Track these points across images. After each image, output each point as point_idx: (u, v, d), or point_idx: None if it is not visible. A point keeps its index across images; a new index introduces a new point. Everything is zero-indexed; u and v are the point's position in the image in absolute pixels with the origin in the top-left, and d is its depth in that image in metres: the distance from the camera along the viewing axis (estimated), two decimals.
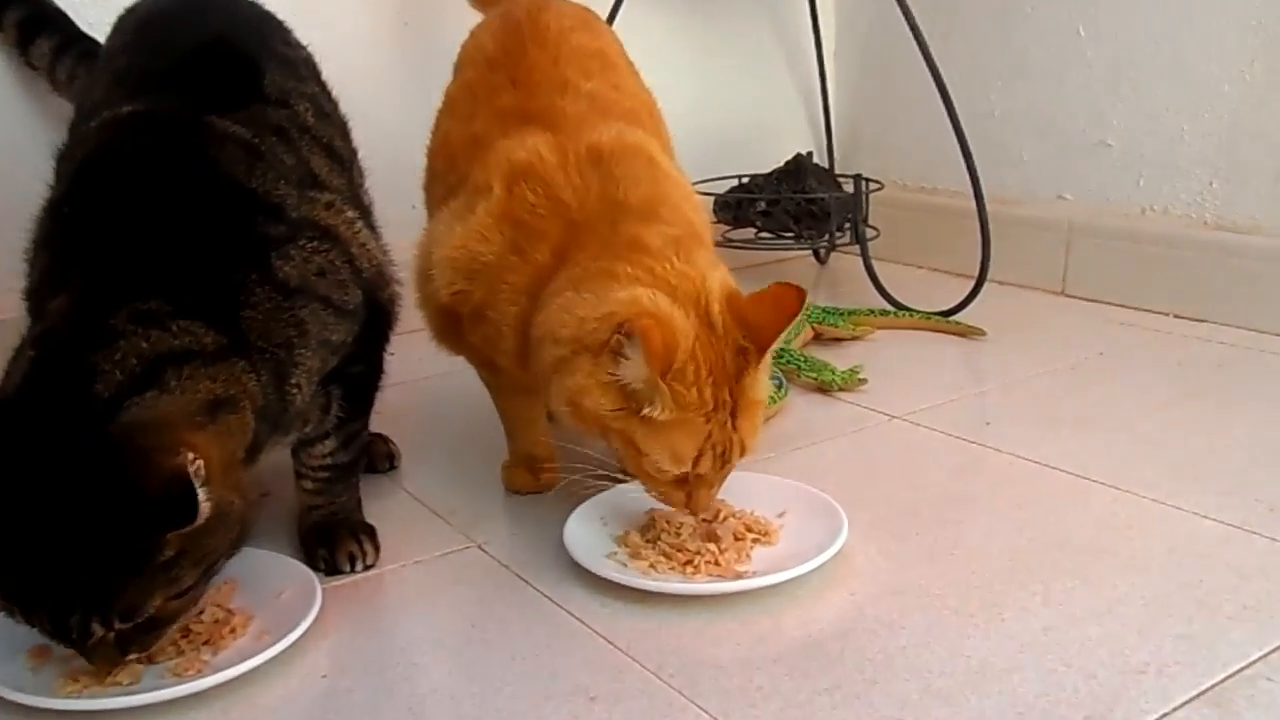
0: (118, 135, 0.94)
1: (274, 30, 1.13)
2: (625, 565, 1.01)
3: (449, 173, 1.13)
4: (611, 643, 0.93)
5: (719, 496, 1.08)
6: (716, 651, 0.91)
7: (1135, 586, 0.98)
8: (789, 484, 1.14)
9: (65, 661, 0.86)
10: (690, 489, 0.97)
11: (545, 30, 1.17)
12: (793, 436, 1.35)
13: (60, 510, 0.74)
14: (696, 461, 0.94)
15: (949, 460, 1.29)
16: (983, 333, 1.71)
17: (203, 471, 0.74)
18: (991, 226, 1.75)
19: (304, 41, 1.16)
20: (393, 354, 1.09)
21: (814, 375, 1.51)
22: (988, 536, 1.08)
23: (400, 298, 1.07)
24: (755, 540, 1.05)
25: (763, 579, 0.97)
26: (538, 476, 1.20)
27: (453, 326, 1.10)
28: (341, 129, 1.13)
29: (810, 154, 2.08)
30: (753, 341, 0.94)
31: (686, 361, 0.91)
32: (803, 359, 1.53)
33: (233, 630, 0.92)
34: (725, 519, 1.06)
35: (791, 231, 1.97)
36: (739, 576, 0.99)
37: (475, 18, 1.33)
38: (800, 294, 0.95)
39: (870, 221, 1.95)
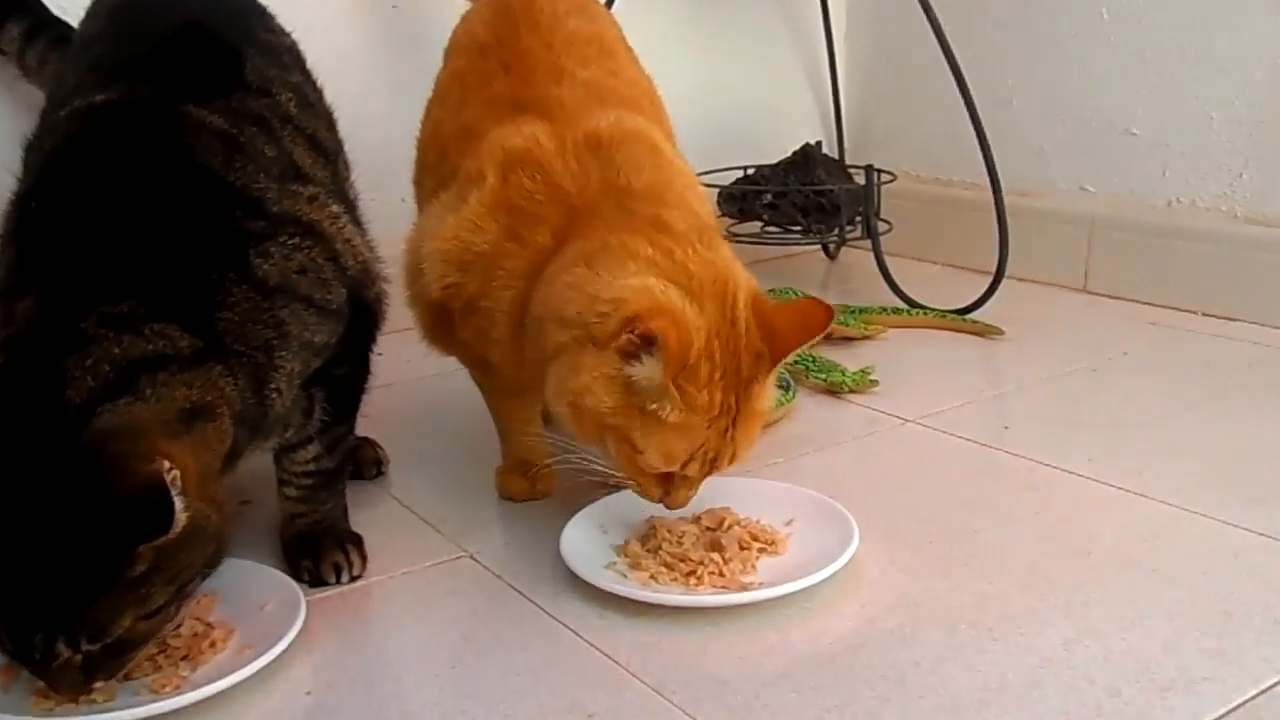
0: (89, 125, 0.94)
1: (256, 15, 1.13)
2: (625, 576, 1.01)
3: (440, 164, 1.14)
4: (610, 657, 0.93)
5: (723, 504, 1.09)
6: (721, 667, 0.91)
7: (1161, 598, 0.98)
8: (797, 491, 1.14)
9: (35, 679, 0.86)
10: (671, 486, 0.98)
11: (539, 15, 1.17)
12: (801, 441, 1.35)
13: (26, 521, 0.74)
14: (686, 463, 0.95)
15: (965, 466, 1.28)
16: (1001, 332, 1.71)
17: (179, 482, 0.74)
18: (1010, 220, 1.75)
19: (287, 27, 1.16)
20: (380, 354, 1.09)
21: (823, 376, 1.51)
22: (1006, 546, 1.08)
23: (387, 296, 1.07)
24: (761, 550, 1.05)
25: (769, 590, 0.97)
26: (533, 482, 1.20)
27: (444, 324, 1.10)
28: (326, 119, 1.13)
29: (819, 144, 2.08)
30: (770, 349, 0.94)
31: (700, 360, 0.91)
32: (811, 359, 1.53)
33: (213, 644, 0.92)
34: (730, 527, 1.06)
35: (800, 225, 1.97)
36: (744, 588, 0.99)
37: (466, 1, 1.34)
38: (830, 314, 0.96)
39: (882, 215, 1.95)
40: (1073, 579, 1.01)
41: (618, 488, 1.06)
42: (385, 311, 1.07)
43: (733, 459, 0.97)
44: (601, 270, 0.94)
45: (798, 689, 0.87)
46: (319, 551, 1.06)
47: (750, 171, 2.05)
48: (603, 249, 0.95)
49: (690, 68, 2.12)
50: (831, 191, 1.94)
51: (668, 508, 1.01)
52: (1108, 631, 0.93)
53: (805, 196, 1.95)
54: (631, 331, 0.89)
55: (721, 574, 1.01)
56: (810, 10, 2.22)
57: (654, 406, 0.91)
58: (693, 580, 1.00)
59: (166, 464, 0.74)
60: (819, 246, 2.23)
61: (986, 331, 1.72)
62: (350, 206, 1.08)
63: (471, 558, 1.10)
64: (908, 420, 1.41)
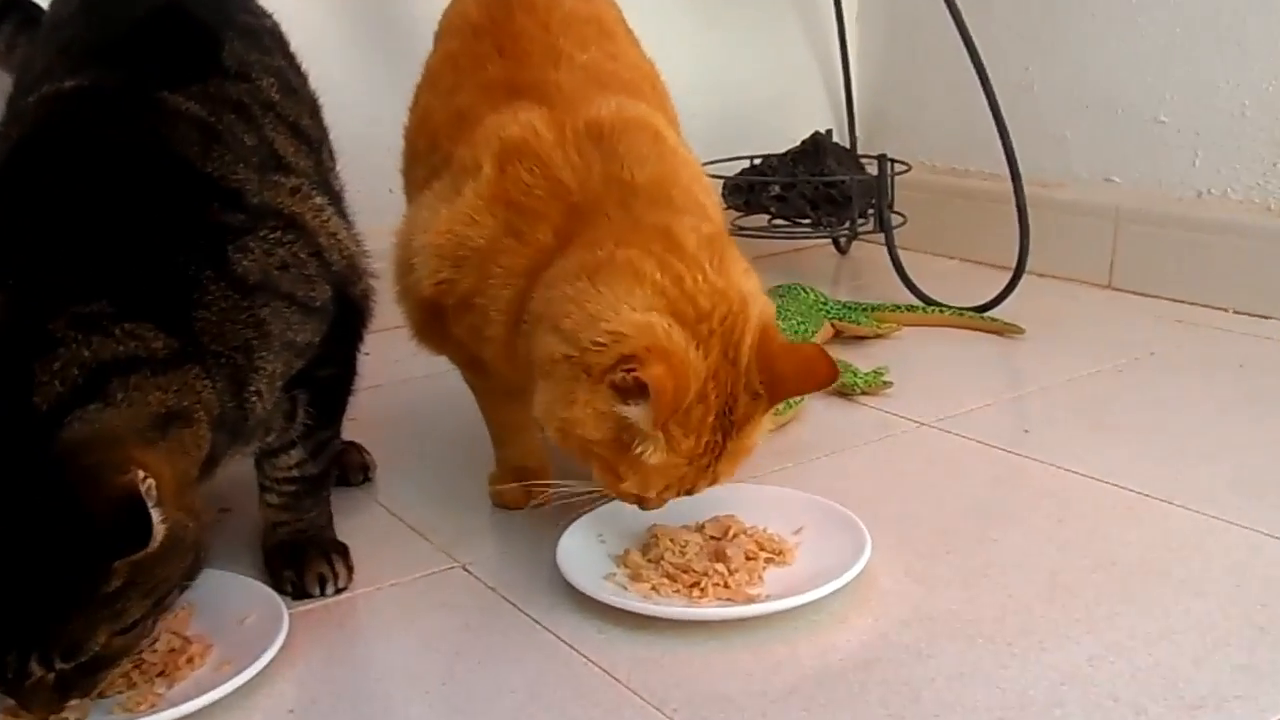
0: (58, 113, 0.93)
1: None
2: (625, 588, 1.01)
3: (431, 152, 1.13)
4: (610, 674, 0.92)
5: (728, 512, 1.08)
6: (725, 683, 0.91)
7: (1191, 611, 0.98)
8: (806, 498, 1.14)
9: (5, 697, 0.85)
10: (645, 503, 0.99)
11: None
12: (810, 445, 1.34)
13: None
14: (661, 493, 0.97)
15: (983, 472, 1.28)
16: (1021, 330, 1.71)
17: (154, 492, 0.74)
18: (1031, 212, 1.74)
19: (269, 7, 1.16)
20: (367, 354, 1.09)
21: None
22: (1026, 556, 1.08)
23: (375, 293, 1.07)
24: (769, 560, 1.05)
25: (777, 603, 0.97)
26: (529, 490, 1.20)
27: (435, 322, 1.10)
28: (311, 106, 1.13)
29: (829, 132, 2.08)
30: (768, 391, 0.95)
31: (692, 405, 0.91)
32: None
33: (190, 660, 0.92)
34: (735, 537, 1.06)
35: (809, 218, 1.97)
36: (751, 600, 0.99)
37: None
38: (834, 373, 0.96)
39: (896, 207, 1.94)
40: (1097, 591, 1.01)
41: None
42: (373, 309, 1.07)
43: (712, 484, 0.98)
44: (604, 288, 0.93)
45: (807, 707, 0.87)
46: (303, 562, 1.06)
47: (757, 161, 2.05)
48: (609, 264, 0.95)
49: (694, 51, 2.12)
50: (842, 182, 1.94)
51: (641, 511, 1.02)
52: (1134, 646, 0.93)
53: (815, 188, 1.95)
54: (628, 371, 0.89)
55: (726, 585, 1.00)
56: None
57: (640, 449, 0.92)
58: (696, 592, 1.00)
59: (141, 474, 0.73)
60: (829, 240, 2.23)
61: (1006, 330, 1.72)
62: (335, 198, 1.07)
63: (463, 569, 1.10)
64: (923, 423, 1.41)
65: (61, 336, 0.79)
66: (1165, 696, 0.86)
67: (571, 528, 1.09)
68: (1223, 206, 1.81)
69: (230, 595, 0.99)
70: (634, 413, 0.90)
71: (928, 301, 1.82)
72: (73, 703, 0.82)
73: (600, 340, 0.91)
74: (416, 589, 1.07)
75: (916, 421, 1.41)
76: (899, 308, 1.78)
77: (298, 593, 1.05)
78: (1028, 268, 1.75)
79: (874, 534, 1.05)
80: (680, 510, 1.05)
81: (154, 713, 0.85)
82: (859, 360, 1.56)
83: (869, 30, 2.30)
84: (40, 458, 0.75)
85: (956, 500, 1.21)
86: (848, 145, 2.21)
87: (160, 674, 0.90)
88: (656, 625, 0.97)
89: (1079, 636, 0.95)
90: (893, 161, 1.93)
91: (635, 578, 1.02)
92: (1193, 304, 1.81)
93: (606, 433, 0.93)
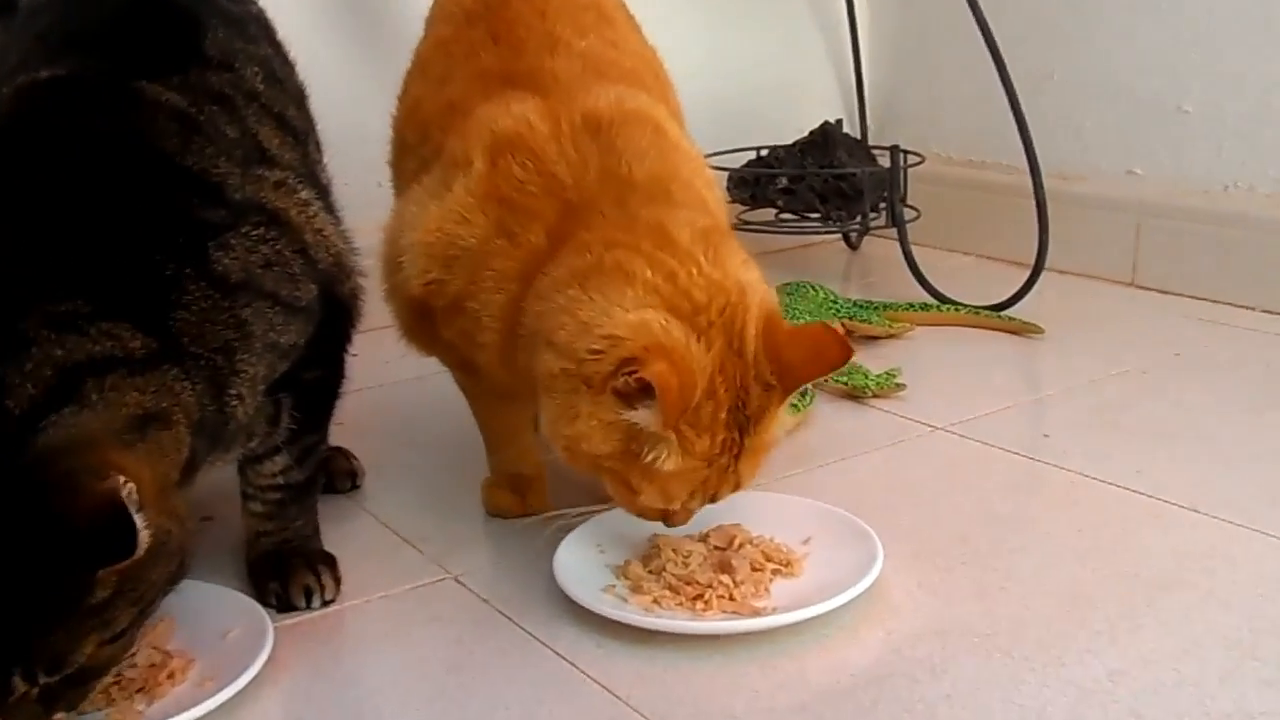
0: (33, 104, 0.93)
1: None
2: (625, 600, 1.01)
3: (421, 144, 1.13)
4: (609, 690, 0.93)
5: (734, 521, 1.08)
6: (730, 700, 0.91)
7: (1217, 625, 0.98)
8: (815, 506, 1.14)
9: None
10: (669, 515, 0.99)
11: None
12: (819, 451, 1.35)
13: None
14: (685, 502, 0.97)
15: (1001, 478, 1.28)
16: (1040, 330, 1.71)
17: (135, 496, 0.74)
18: (1050, 207, 1.74)
19: None
20: (355, 355, 1.09)
21: (844, 379, 1.51)
22: (1045, 567, 1.08)
23: (363, 291, 1.07)
24: (776, 571, 1.05)
25: (784, 616, 0.97)
26: (524, 497, 1.20)
27: (425, 322, 1.10)
28: (297, 95, 1.13)
29: (839, 122, 2.08)
30: (780, 381, 0.95)
31: (702, 402, 0.91)
32: None
33: (170, 675, 0.92)
34: (741, 547, 1.06)
35: (818, 212, 1.97)
36: (757, 614, 0.99)
37: None
38: (846, 349, 0.96)
39: (909, 201, 1.94)
40: (1119, 603, 1.01)
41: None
42: (361, 309, 1.07)
43: (736, 488, 0.98)
44: (595, 294, 0.93)
45: None
46: (288, 573, 1.06)
47: (764, 153, 2.05)
48: (598, 269, 0.95)
49: (698, 37, 2.12)
50: (853, 175, 1.94)
51: (667, 527, 1.02)
52: (1158, 661, 0.93)
53: (824, 181, 1.95)
54: (629, 374, 0.89)
55: (732, 598, 1.00)
56: None
57: (651, 455, 0.92)
58: (700, 605, 1.00)
59: (122, 478, 0.74)
60: (839, 236, 2.23)
61: (1024, 330, 1.72)
62: (323, 192, 1.07)
63: (456, 580, 1.10)
64: (937, 428, 1.41)
65: (34, 336, 0.80)
66: (1190, 713, 0.87)
67: (569, 537, 1.09)
68: (1250, 200, 1.81)
69: (213, 608, 0.99)
70: (641, 417, 0.90)
71: (942, 300, 1.82)
72: (58, 716, 0.82)
73: (596, 348, 0.91)
74: (407, 601, 1.07)
75: (930, 426, 1.42)
76: (912, 306, 1.78)
77: (283, 605, 1.05)
78: (1047, 264, 1.75)
79: (886, 544, 1.05)
80: None
81: None
82: (870, 361, 1.56)
83: (881, 15, 2.30)
84: (15, 464, 0.75)
85: (972, 508, 1.21)
86: (859, 136, 2.21)
87: (140, 690, 0.90)
88: (658, 640, 0.97)
89: (1100, 650, 0.95)
90: (906, 153, 1.93)
91: (636, 590, 1.02)
92: (1219, 302, 1.81)
93: (615, 444, 0.93)
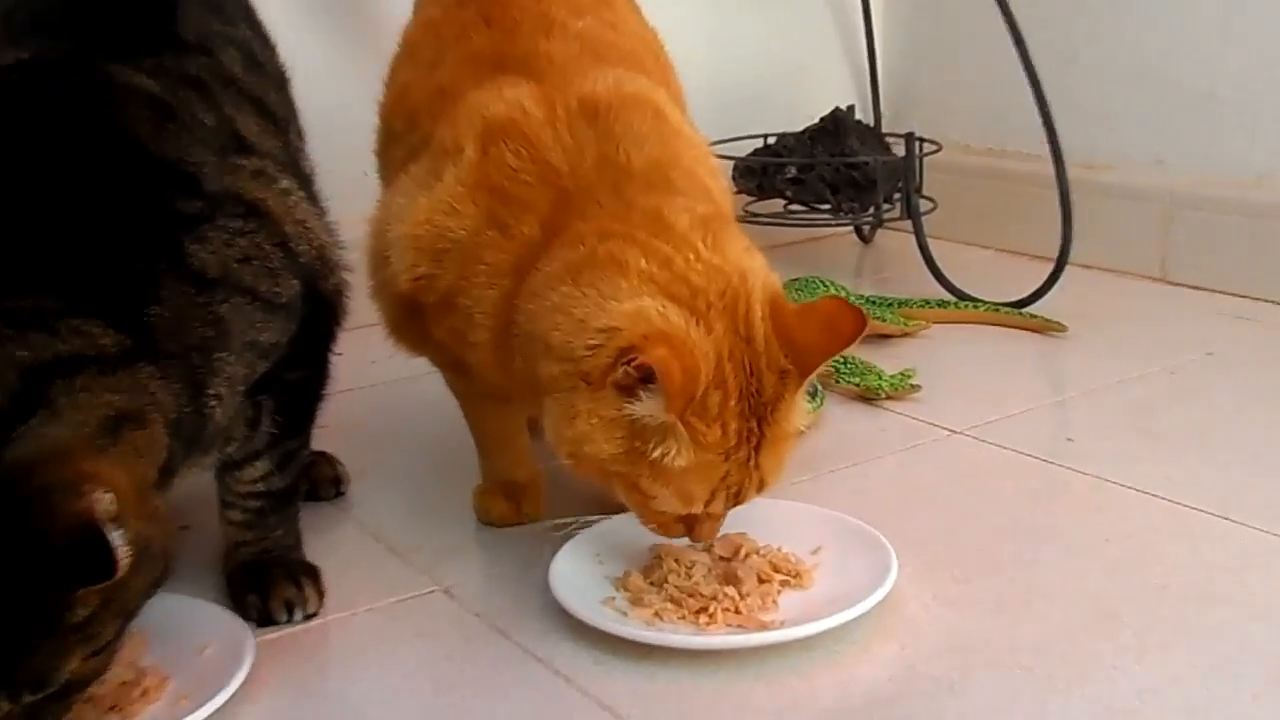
0: None
1: None
2: (625, 614, 1.01)
3: (409, 132, 1.13)
4: (609, 708, 0.92)
5: (740, 530, 1.08)
6: (736, 719, 0.91)
7: (1252, 640, 0.97)
8: (825, 514, 1.14)
9: None
10: (694, 524, 0.98)
11: None
12: (830, 456, 1.34)
13: None
14: (707, 503, 0.95)
15: (1021, 485, 1.28)
16: (1063, 328, 1.71)
17: (114, 507, 0.74)
18: (1074, 197, 1.74)
19: None
20: (339, 355, 1.09)
21: (856, 380, 1.51)
22: (1070, 579, 1.08)
23: (349, 286, 1.07)
24: (784, 583, 1.05)
25: (793, 630, 0.97)
26: (519, 505, 1.20)
27: (414, 320, 1.10)
28: (278, 80, 1.13)
29: (851, 108, 2.08)
30: (795, 363, 0.94)
31: (709, 390, 0.91)
32: (842, 360, 1.53)
33: (144, 693, 0.92)
34: (747, 557, 1.06)
35: (829, 203, 1.97)
36: (764, 628, 0.99)
37: None
38: (861, 319, 0.95)
39: (925, 191, 1.94)
40: (1148, 618, 1.01)
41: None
42: (346, 305, 1.07)
43: (761, 488, 0.97)
44: (589, 289, 0.93)
45: None
46: (268, 585, 1.06)
47: (771, 141, 2.05)
48: (590, 262, 0.95)
49: (701, 18, 2.12)
50: (866, 164, 1.94)
51: (693, 542, 1.01)
52: (1189, 679, 0.93)
53: (835, 170, 1.95)
54: (628, 364, 0.88)
55: (737, 611, 1.00)
56: None
57: (659, 451, 0.91)
58: (704, 618, 1.00)
59: (99, 493, 0.74)
60: (851, 229, 2.23)
61: (1046, 327, 1.72)
62: (305, 181, 1.07)
63: (446, 592, 1.10)
64: (955, 431, 1.41)
65: None
66: None
67: (566, 547, 1.09)
68: None
69: (188, 622, 0.99)
70: (644, 408, 0.89)
71: (960, 296, 1.81)
72: None
73: (593, 342, 0.91)
74: (394, 615, 1.07)
75: (947, 429, 1.41)
76: (928, 303, 1.77)
77: (263, 619, 1.05)
78: (1071, 259, 1.75)
79: (900, 554, 1.05)
80: None
81: None
82: (884, 361, 1.56)
83: None
84: None
85: (992, 517, 1.21)
86: (872, 122, 2.21)
87: (112, 709, 0.90)
88: (660, 655, 0.97)
89: (1128, 668, 0.94)
90: (921, 141, 1.93)
91: (636, 602, 1.02)
92: (1253, 299, 1.81)
93: (619, 443, 0.92)
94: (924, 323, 1.73)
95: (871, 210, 1.96)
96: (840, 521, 1.12)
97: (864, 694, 0.93)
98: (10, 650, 0.76)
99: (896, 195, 1.94)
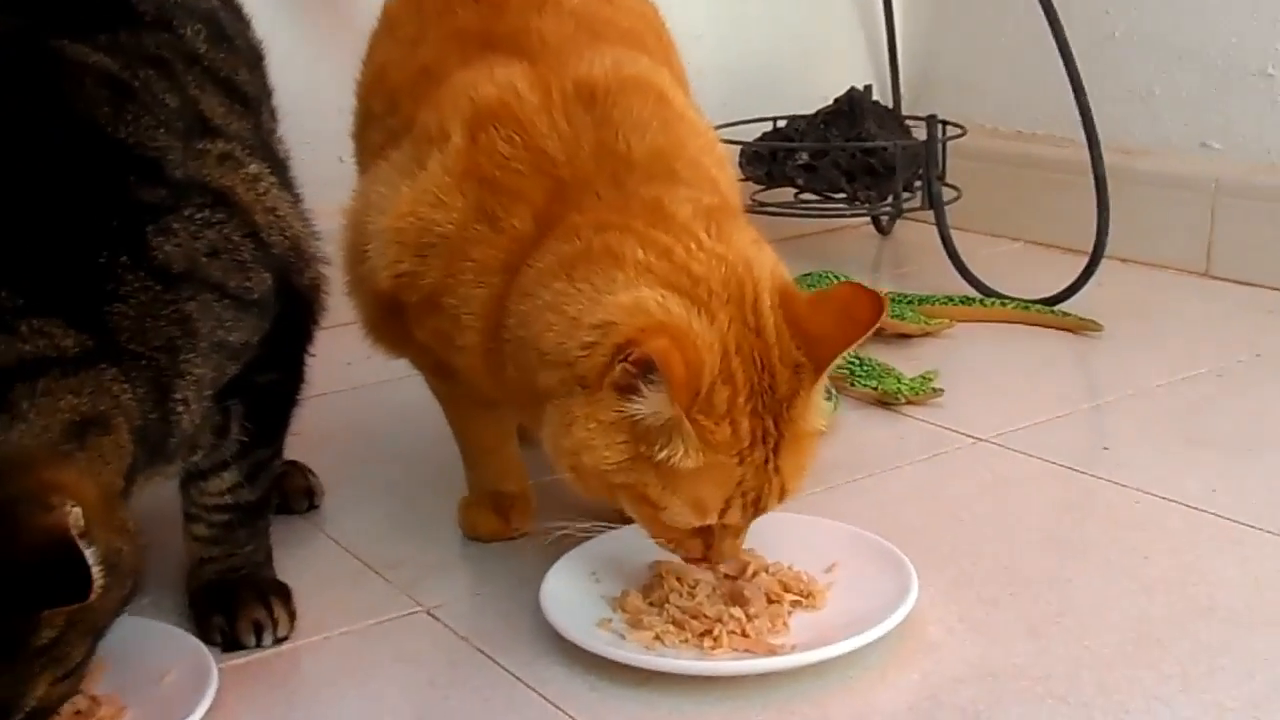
0: None
1: None
2: (623, 637, 1.01)
3: (388, 114, 1.14)
4: None
5: (748, 545, 1.08)
6: None
7: None
8: (840, 529, 1.14)
9: None
10: (711, 539, 0.97)
11: None
12: (845, 465, 1.35)
13: None
14: (723, 511, 0.95)
15: (1053, 497, 1.28)
16: (1099, 327, 1.71)
17: (82, 521, 0.74)
18: (1111, 186, 1.74)
19: None
20: (313, 356, 1.09)
21: (873, 384, 1.51)
22: (1106, 599, 1.08)
23: (325, 282, 1.07)
24: (795, 603, 1.05)
25: (804, 655, 0.97)
26: (507, 518, 1.20)
27: (394, 319, 1.10)
28: (250, 56, 1.13)
29: (869, 89, 2.08)
30: (810, 356, 0.94)
31: (716, 385, 0.91)
32: (858, 362, 1.53)
33: None
34: (755, 575, 1.06)
35: (844, 192, 1.97)
36: (773, 652, 0.99)
37: None
38: (878, 304, 0.95)
39: (948, 179, 1.95)
40: (1191, 641, 1.01)
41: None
42: (322, 302, 1.07)
43: (782, 495, 0.97)
44: (583, 284, 0.93)
45: None
46: (235, 606, 1.06)
47: (781, 124, 2.05)
48: (584, 255, 0.95)
49: None
50: (884, 149, 1.94)
51: (711, 566, 1.01)
52: (1235, 708, 0.93)
53: (851, 156, 1.95)
54: (625, 359, 0.88)
55: (744, 634, 1.00)
56: None
57: (665, 453, 0.91)
58: (708, 642, 1.00)
59: (68, 504, 0.74)
60: (868, 219, 2.23)
61: (1080, 326, 1.72)
62: (278, 166, 1.07)
63: (429, 613, 1.10)
64: (980, 439, 1.41)
65: None
66: None
67: (559, 564, 1.09)
68: None
69: (148, 646, 0.99)
70: (646, 405, 0.89)
71: (986, 292, 1.82)
72: None
73: (588, 340, 0.91)
74: (372, 638, 1.07)
75: (972, 437, 1.41)
76: (951, 300, 1.78)
77: (229, 643, 1.05)
78: (1107, 252, 1.75)
79: (921, 572, 1.05)
80: None
81: None
82: (904, 364, 1.56)
83: None
84: None
85: (1021, 532, 1.21)
86: (890, 104, 2.21)
87: None
88: (660, 682, 0.97)
89: (1170, 697, 0.94)
90: (944, 124, 1.93)
91: (635, 624, 1.02)
92: None
93: (622, 449, 0.92)
94: (947, 321, 1.74)
95: (890, 199, 1.96)
96: (856, 537, 1.12)
97: None
98: None
99: (917, 183, 1.94)
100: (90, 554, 0.74)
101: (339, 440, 1.44)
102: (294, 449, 1.20)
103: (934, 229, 1.88)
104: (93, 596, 0.75)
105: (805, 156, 1.98)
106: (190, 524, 1.07)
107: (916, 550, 1.08)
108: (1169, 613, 1.06)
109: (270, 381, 1.03)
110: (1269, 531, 1.18)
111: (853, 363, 1.53)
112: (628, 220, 0.96)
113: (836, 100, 2.05)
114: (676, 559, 1.03)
